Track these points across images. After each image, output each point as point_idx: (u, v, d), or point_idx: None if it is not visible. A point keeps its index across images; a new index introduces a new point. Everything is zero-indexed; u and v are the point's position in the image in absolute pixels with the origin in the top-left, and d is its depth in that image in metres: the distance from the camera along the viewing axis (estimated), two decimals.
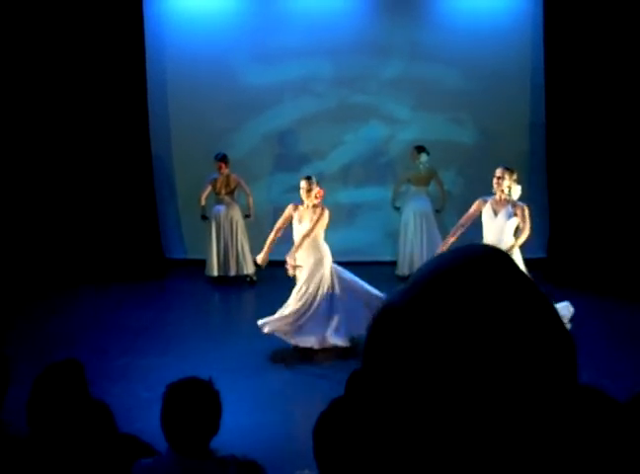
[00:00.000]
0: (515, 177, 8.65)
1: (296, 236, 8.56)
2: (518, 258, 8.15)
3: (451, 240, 8.65)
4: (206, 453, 3.19)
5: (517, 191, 8.60)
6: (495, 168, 11.75)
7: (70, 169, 11.70)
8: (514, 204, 8.53)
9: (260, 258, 8.87)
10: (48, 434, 3.01)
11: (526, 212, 8.50)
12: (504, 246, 8.01)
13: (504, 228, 8.50)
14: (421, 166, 11.41)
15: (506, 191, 8.51)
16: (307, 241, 8.47)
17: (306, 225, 8.50)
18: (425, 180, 11.49)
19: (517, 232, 8.53)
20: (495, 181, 8.58)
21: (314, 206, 8.60)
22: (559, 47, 11.19)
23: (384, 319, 1.01)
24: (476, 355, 0.95)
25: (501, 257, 1.05)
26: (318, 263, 8.51)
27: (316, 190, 8.65)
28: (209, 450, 3.21)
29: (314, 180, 8.74)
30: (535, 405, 0.96)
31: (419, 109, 12.25)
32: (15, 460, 3.00)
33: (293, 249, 8.49)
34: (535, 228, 11.83)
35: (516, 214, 8.46)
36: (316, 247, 8.53)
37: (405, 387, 0.97)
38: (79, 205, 11.79)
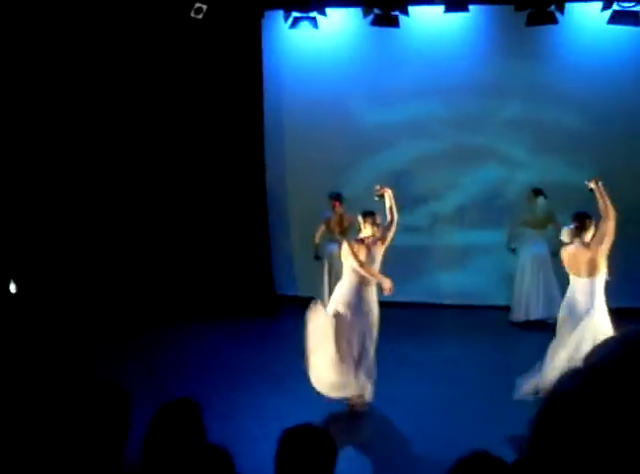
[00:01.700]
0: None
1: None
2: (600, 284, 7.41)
3: None
4: None
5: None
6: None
7: (188, 203, 12.01)
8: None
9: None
10: None
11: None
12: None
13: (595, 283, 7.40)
14: (538, 209, 11.18)
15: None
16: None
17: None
18: (542, 223, 11.23)
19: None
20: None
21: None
22: None
23: (557, 406, 0.94)
24: None
25: None
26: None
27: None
28: None
29: (374, 215, 8.33)
30: None
31: (537, 151, 12.02)
32: None
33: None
34: None
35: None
36: None
37: None
38: (193, 239, 12.06)
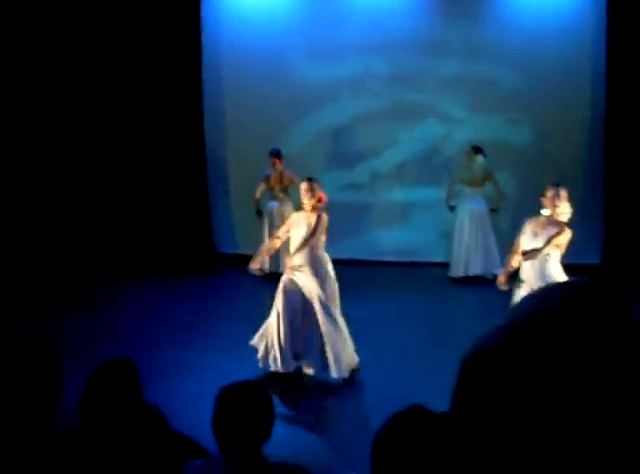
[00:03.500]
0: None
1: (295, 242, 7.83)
2: (555, 266, 7.30)
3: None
4: (258, 459, 3.14)
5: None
6: (551, 170, 11.61)
7: (125, 162, 11.84)
8: (558, 224, 7.27)
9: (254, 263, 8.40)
10: (100, 435, 2.99)
11: (566, 235, 7.25)
12: (546, 274, 7.22)
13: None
14: (476, 167, 11.28)
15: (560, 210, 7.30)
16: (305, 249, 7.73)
17: (303, 230, 7.77)
18: (480, 181, 11.35)
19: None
20: (551, 200, 7.28)
21: (312, 210, 7.79)
22: (622, 49, 10.93)
23: (478, 362, 0.95)
24: (576, 401, 0.88)
25: (602, 296, 0.97)
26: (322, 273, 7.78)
27: (318, 193, 7.81)
28: (261, 456, 3.16)
29: (317, 183, 7.87)
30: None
31: (475, 108, 12.09)
32: (65, 459, 2.97)
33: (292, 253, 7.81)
34: (591, 233, 11.64)
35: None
36: (316, 257, 7.77)
37: (500, 431, 0.91)
38: (133, 198, 11.91)
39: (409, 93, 12.11)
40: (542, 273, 7.26)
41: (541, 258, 7.26)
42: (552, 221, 7.29)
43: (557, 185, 7.39)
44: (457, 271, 11.47)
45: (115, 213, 11.91)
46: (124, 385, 3.25)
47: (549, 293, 1.01)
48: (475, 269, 11.30)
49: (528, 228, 7.39)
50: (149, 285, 11.11)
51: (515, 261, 7.45)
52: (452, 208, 11.56)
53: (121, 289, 10.91)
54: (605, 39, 11.19)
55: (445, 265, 11.70)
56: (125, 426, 2.85)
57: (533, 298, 1.01)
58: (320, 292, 7.61)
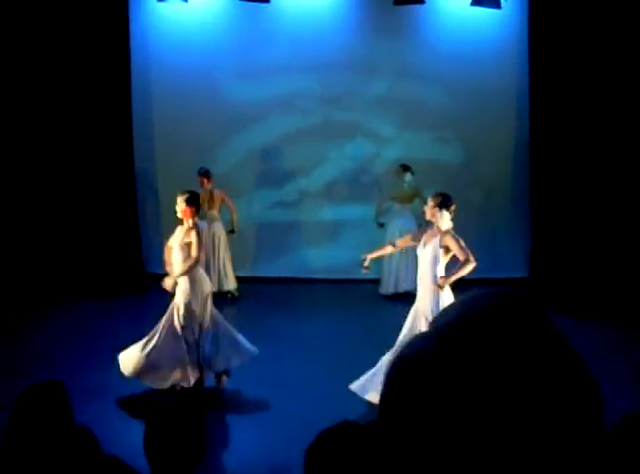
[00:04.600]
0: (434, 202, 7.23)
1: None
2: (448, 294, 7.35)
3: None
4: None
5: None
6: (478, 187, 11.87)
7: (51, 181, 11.67)
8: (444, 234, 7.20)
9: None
10: (27, 457, 2.93)
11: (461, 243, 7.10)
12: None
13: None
14: (405, 184, 11.44)
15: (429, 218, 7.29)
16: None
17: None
18: (408, 198, 11.49)
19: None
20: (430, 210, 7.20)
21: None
22: (544, 68, 11.26)
23: (405, 369, 0.97)
24: (501, 406, 0.92)
25: (523, 303, 1.01)
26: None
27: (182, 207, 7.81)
28: None
29: (184, 195, 7.89)
30: (559, 456, 0.92)
31: (404, 127, 12.26)
32: None
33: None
34: (518, 248, 11.92)
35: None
36: None
37: (428, 437, 0.93)
38: (60, 219, 11.73)
39: (338, 111, 12.22)
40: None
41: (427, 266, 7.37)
42: (437, 230, 7.24)
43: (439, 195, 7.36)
44: (387, 287, 11.57)
45: (44, 234, 11.71)
46: (53, 407, 3.20)
47: (471, 302, 1.04)
48: (405, 285, 11.40)
49: (421, 237, 7.42)
50: (78, 306, 10.92)
51: (387, 249, 8.03)
52: (382, 225, 11.67)
53: (50, 311, 10.71)
54: (528, 61, 11.49)
55: (376, 282, 11.77)
56: (54, 447, 2.80)
57: (456, 306, 1.05)
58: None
